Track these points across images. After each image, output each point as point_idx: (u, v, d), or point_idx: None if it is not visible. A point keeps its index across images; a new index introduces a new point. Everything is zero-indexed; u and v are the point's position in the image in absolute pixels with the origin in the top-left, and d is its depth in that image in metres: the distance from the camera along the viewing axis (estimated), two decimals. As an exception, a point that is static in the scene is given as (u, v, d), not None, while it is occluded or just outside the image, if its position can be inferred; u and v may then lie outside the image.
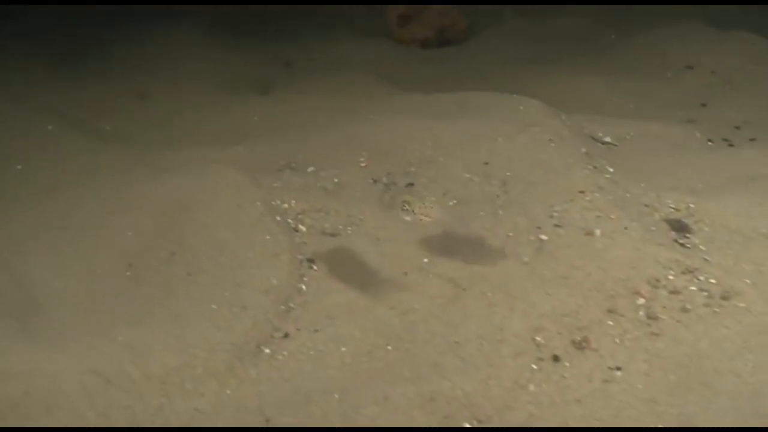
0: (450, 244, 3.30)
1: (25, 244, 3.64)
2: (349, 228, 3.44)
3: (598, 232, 3.09)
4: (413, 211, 3.46)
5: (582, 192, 3.31)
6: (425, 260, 3.23)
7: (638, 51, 6.29)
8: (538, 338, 2.76)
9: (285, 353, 2.83)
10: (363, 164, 3.97)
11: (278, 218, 3.43)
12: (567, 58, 6.27)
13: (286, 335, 2.90)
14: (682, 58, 5.79)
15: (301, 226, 3.44)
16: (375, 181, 3.80)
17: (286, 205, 3.52)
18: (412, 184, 3.68)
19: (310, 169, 4.01)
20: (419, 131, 4.08)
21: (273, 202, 3.53)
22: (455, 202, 3.53)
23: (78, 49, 6.43)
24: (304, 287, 3.12)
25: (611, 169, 3.70)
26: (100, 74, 6.10)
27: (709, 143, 4.32)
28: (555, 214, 3.25)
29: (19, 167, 4.55)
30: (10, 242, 3.65)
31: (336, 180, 3.84)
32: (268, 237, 3.28)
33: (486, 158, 3.70)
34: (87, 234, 3.63)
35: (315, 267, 3.21)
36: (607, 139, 4.23)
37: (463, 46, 6.93)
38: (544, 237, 3.17)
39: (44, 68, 5.93)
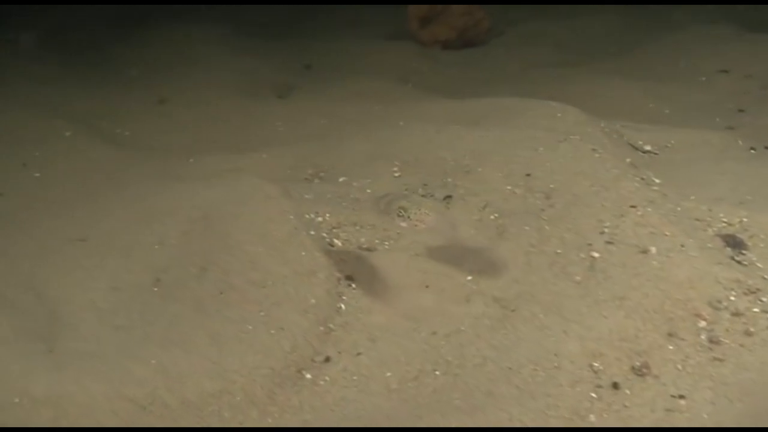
0: (493, 262, 3.15)
1: (45, 256, 3.50)
2: (386, 242, 3.28)
3: (653, 249, 2.94)
4: (409, 217, 3.33)
5: (633, 206, 3.15)
6: (468, 278, 3.08)
7: (666, 53, 6.15)
8: (595, 364, 2.60)
9: (327, 378, 2.69)
10: (397, 174, 3.81)
11: (312, 232, 3.27)
12: (594, 61, 6.12)
13: (327, 359, 2.75)
14: (714, 62, 5.64)
15: (336, 241, 3.28)
16: (411, 193, 3.64)
17: (320, 219, 3.36)
18: (450, 197, 3.51)
19: (341, 179, 3.85)
20: (454, 139, 3.91)
21: (306, 215, 3.36)
22: (497, 215, 3.37)
23: (93, 52, 6.29)
24: (343, 307, 2.97)
25: (657, 180, 3.54)
26: (116, 77, 5.97)
27: (752, 151, 4.16)
28: (606, 230, 3.09)
29: (37, 175, 4.42)
30: (29, 254, 3.52)
31: (369, 191, 3.68)
32: (303, 253, 3.13)
33: (527, 169, 3.53)
34: (109, 246, 3.48)
35: (353, 285, 3.06)
36: (648, 148, 4.06)
37: (485, 48, 6.78)
38: (595, 254, 3.01)
39: (60, 71, 5.79)
